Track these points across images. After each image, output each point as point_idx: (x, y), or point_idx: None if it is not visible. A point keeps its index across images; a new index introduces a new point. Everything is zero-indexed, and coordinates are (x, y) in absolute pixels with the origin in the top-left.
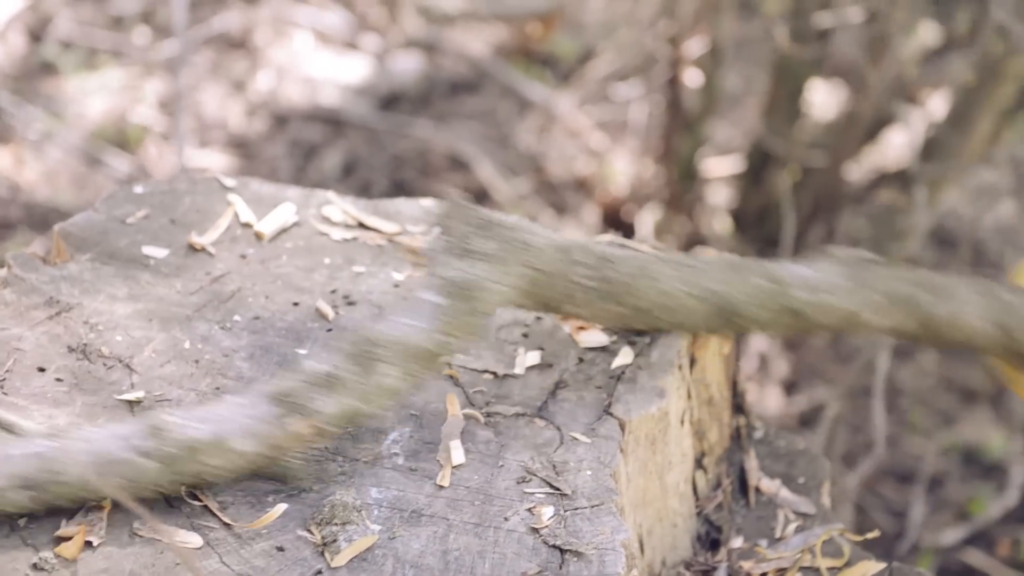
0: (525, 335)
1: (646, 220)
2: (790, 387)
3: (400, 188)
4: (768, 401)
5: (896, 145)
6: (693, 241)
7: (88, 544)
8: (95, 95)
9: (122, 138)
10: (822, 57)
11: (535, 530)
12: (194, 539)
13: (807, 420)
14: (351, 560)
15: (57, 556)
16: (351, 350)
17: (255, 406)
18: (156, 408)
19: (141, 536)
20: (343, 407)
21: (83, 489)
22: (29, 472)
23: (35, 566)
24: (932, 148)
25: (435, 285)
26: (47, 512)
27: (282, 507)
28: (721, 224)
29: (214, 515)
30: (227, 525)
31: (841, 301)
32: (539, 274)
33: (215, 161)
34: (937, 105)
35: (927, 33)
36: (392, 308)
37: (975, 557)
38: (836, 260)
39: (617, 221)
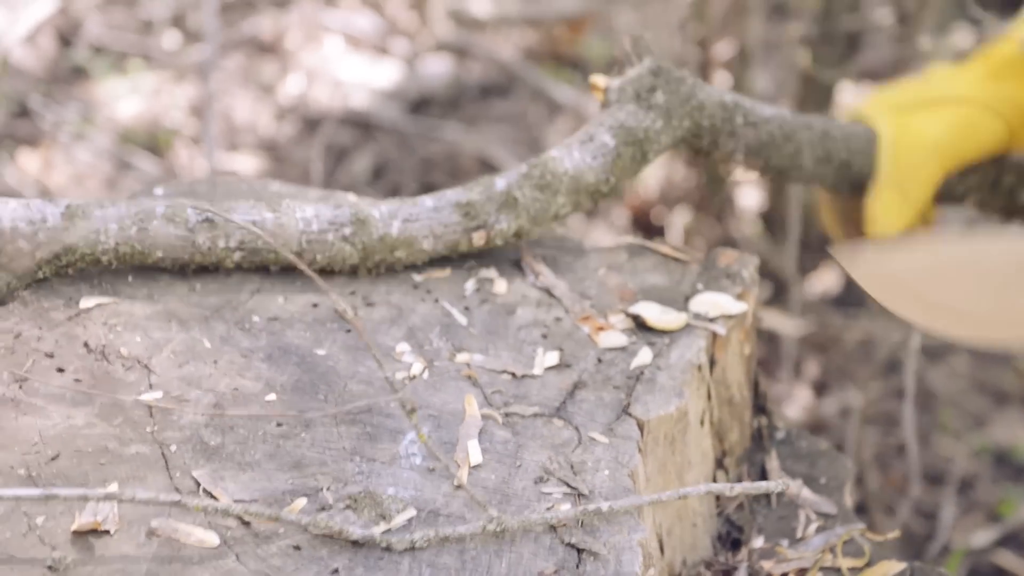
0: (544, 335)
1: (676, 223)
2: (820, 389)
3: (429, 191)
4: (798, 403)
5: None
6: (723, 244)
7: (103, 538)
8: (125, 99)
9: (152, 142)
10: (851, 59)
11: (552, 529)
12: (211, 538)
13: (837, 422)
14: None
15: (73, 555)
16: (535, 176)
17: (443, 211)
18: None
19: (158, 535)
20: (515, 225)
21: (289, 261)
22: (246, 238)
23: (51, 567)
24: None
25: (610, 127)
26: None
27: (302, 501)
28: (751, 227)
29: (231, 514)
30: (245, 523)
31: None
32: (700, 128)
33: (245, 164)
34: None
35: (959, 36)
36: (571, 143)
37: (1006, 559)
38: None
39: (647, 224)
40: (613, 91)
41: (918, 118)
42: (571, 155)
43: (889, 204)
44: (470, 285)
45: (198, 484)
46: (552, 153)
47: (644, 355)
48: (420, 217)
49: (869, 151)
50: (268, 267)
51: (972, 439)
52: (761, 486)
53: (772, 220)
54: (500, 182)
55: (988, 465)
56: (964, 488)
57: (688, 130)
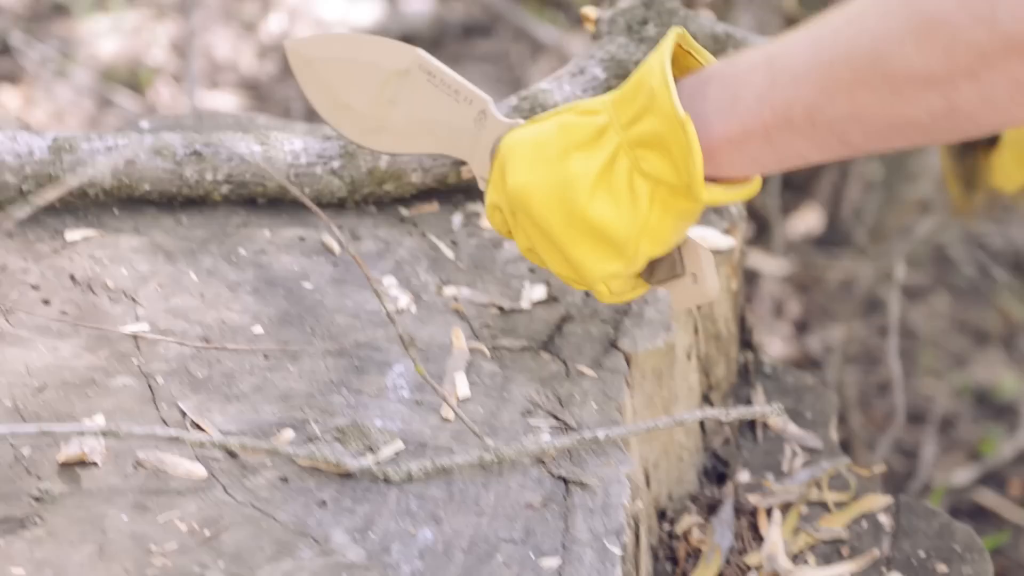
0: (531, 269)
1: None
2: (803, 328)
3: None
4: (779, 342)
5: None
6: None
7: (90, 470)
8: (106, 36)
9: (133, 79)
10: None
11: (540, 462)
12: (198, 469)
13: (820, 361)
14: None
15: (59, 486)
16: (524, 109)
17: None
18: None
19: (145, 466)
20: None
21: (280, 193)
22: (234, 171)
23: (38, 499)
24: None
25: (601, 59)
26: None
27: (289, 433)
28: None
29: (224, 447)
30: (232, 455)
31: None
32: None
33: (226, 103)
34: None
35: None
36: (562, 76)
37: (987, 497)
38: None
39: None
40: (604, 23)
41: None
42: (561, 88)
43: (1010, 160)
44: (457, 219)
45: (185, 415)
46: (542, 86)
47: None
48: None
49: None
50: (255, 200)
51: (953, 378)
52: (755, 410)
53: None
54: None
55: (969, 404)
56: (945, 427)
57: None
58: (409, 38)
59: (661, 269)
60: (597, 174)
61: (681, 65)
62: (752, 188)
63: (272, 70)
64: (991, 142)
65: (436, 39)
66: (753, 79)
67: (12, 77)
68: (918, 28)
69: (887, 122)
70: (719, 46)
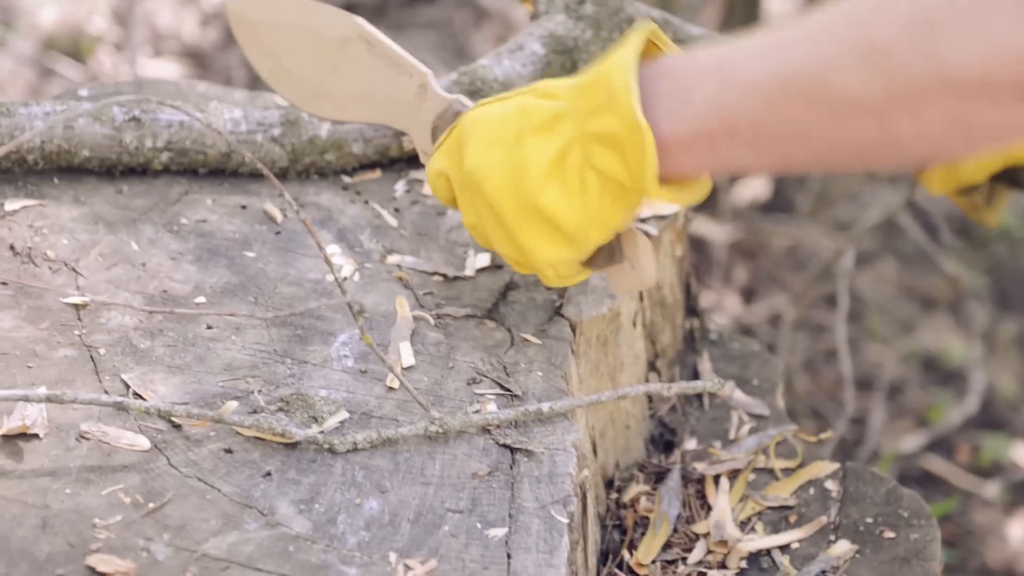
0: None
1: None
2: (749, 295)
3: None
4: (727, 308)
5: None
6: None
7: (32, 442)
8: (47, 5)
9: (75, 48)
10: None
11: (486, 431)
12: (142, 441)
13: (767, 328)
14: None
15: (2, 459)
16: (464, 83)
17: None
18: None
19: (88, 438)
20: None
21: (222, 162)
22: (174, 138)
23: None
24: None
25: (540, 36)
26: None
27: (233, 404)
28: None
29: (162, 417)
30: (175, 426)
31: None
32: None
33: (169, 71)
34: None
35: None
36: (501, 52)
37: (935, 463)
38: None
39: None
40: (542, 2)
41: None
42: (501, 63)
43: (945, 174)
44: (400, 186)
45: (127, 387)
46: (482, 61)
47: None
48: None
49: None
50: (196, 170)
51: (900, 344)
52: (697, 385)
53: None
54: None
55: (916, 371)
56: (893, 393)
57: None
58: (353, 4)
59: (601, 256)
60: (550, 162)
61: (643, 52)
62: (701, 190)
63: (215, 38)
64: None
65: (379, 5)
66: (704, 84)
67: None
68: (862, 54)
69: (827, 145)
70: None
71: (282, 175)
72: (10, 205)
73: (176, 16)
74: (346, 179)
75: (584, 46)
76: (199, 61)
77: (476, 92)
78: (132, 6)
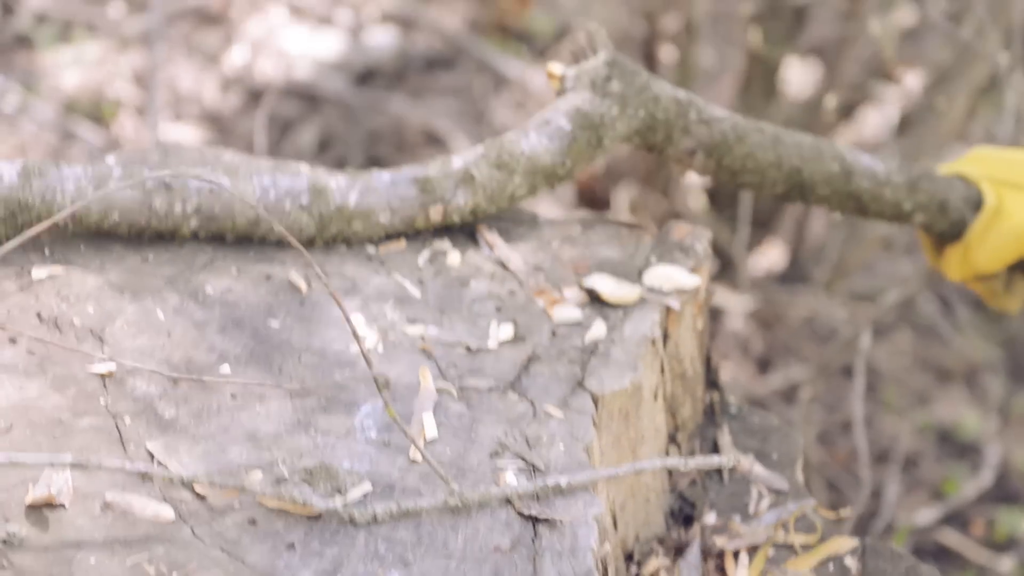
0: (498, 308)
1: (621, 197)
2: (765, 365)
3: (375, 163)
4: (742, 379)
5: (872, 123)
6: (668, 218)
7: (58, 512)
8: (69, 68)
9: (96, 112)
10: (798, 35)
11: (509, 503)
12: (166, 511)
13: (782, 399)
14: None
15: (27, 528)
16: (491, 156)
17: (400, 186)
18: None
19: (112, 508)
20: (472, 202)
21: (249, 229)
22: (203, 203)
23: (5, 542)
24: (908, 125)
25: (567, 112)
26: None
27: (258, 474)
28: (696, 202)
29: (187, 486)
30: (199, 496)
31: (895, 196)
32: (654, 120)
33: (189, 135)
34: (913, 83)
35: (903, 13)
36: (528, 126)
37: (950, 537)
38: (899, 161)
39: (592, 197)
40: (569, 79)
41: (1013, 197)
42: (528, 137)
43: (962, 261)
44: (424, 257)
45: (152, 456)
46: (509, 135)
47: (598, 328)
48: (377, 189)
49: (965, 201)
50: (224, 236)
51: (915, 417)
52: (714, 460)
53: (717, 195)
54: (457, 160)
55: (931, 443)
56: (908, 466)
57: (643, 121)
58: (372, 71)
59: None
60: None
61: None
62: None
63: (235, 103)
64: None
65: (399, 72)
66: None
67: None
68: None
69: None
70: (681, 109)
71: (309, 243)
72: (37, 273)
73: (197, 81)
74: (370, 249)
75: (611, 122)
76: (219, 125)
77: (503, 165)
78: (154, 70)
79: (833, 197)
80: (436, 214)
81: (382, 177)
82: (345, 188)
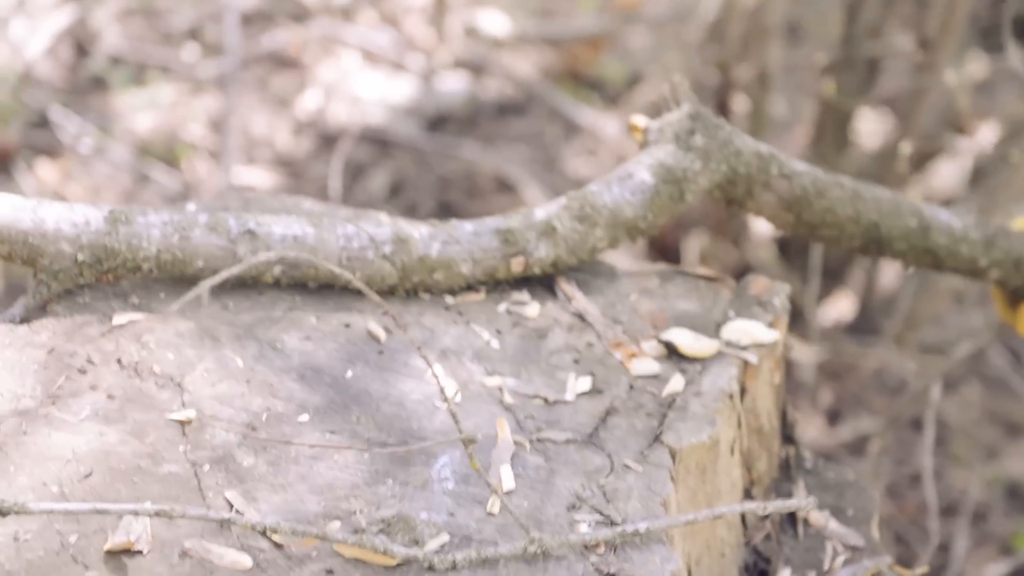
0: (576, 361)
1: (691, 246)
2: (833, 417)
3: (446, 209)
4: (811, 431)
5: (945, 175)
6: (739, 269)
7: (136, 559)
8: (143, 111)
9: (169, 154)
10: (871, 86)
11: (585, 557)
12: (244, 560)
13: (851, 451)
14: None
15: (106, 575)
16: (574, 208)
17: (482, 237)
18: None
19: (191, 555)
20: (553, 254)
21: (331, 277)
22: (287, 251)
23: None
24: (981, 177)
25: (650, 166)
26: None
27: (336, 524)
28: (767, 252)
29: (265, 534)
30: (277, 545)
31: (971, 251)
32: (736, 174)
33: (261, 179)
34: (986, 135)
35: (975, 64)
36: (611, 179)
37: None
38: (976, 217)
39: (662, 247)
40: (652, 132)
41: None
42: (610, 190)
43: None
44: (502, 308)
45: (230, 504)
46: (591, 187)
47: (676, 382)
48: (460, 240)
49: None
50: (306, 284)
51: (984, 470)
52: (791, 503)
53: (787, 246)
54: (539, 212)
55: (1001, 497)
56: (976, 519)
57: (725, 175)
58: (444, 117)
59: None
60: None
61: None
62: None
63: (307, 147)
64: None
65: (471, 118)
66: None
67: (50, 151)
68: None
69: None
70: (763, 163)
71: (390, 292)
72: (118, 319)
73: (269, 124)
74: (448, 300)
75: (693, 176)
76: (291, 169)
77: (586, 218)
78: (228, 114)
79: (910, 252)
80: (517, 265)
81: (464, 228)
82: (428, 238)
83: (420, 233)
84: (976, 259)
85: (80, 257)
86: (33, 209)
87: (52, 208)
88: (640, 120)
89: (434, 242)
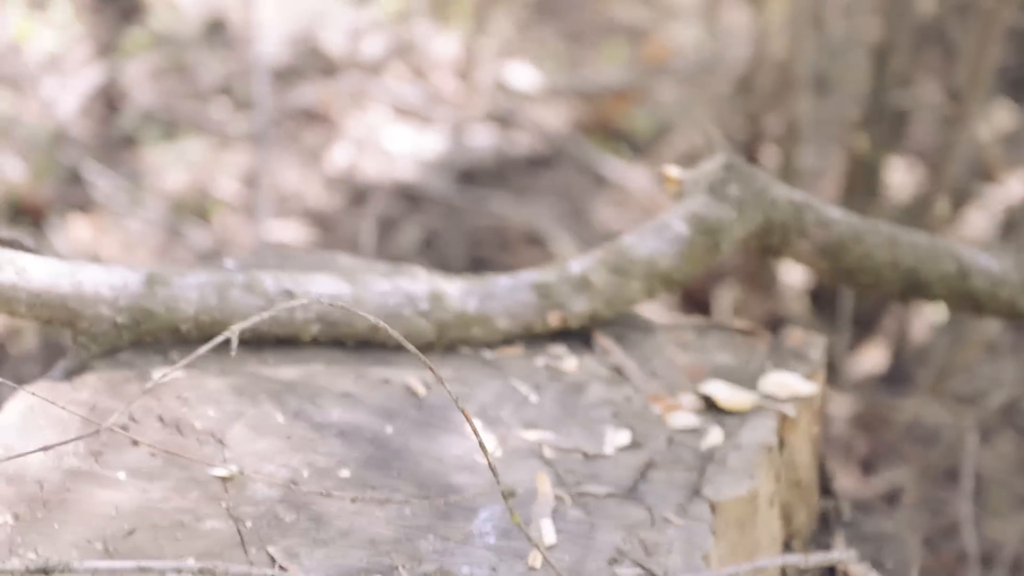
0: (614, 414)
1: (723, 297)
2: (867, 467)
3: (477, 262)
4: (845, 482)
5: (975, 225)
6: (770, 320)
7: None
8: (174, 166)
9: (201, 210)
10: (900, 137)
11: None
12: None
13: (886, 502)
14: None
15: None
16: (610, 261)
17: (519, 292)
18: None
19: None
20: (590, 307)
21: (369, 335)
22: (324, 311)
23: None
24: (1011, 228)
25: (685, 217)
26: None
27: None
28: (798, 304)
29: None
30: None
31: (1011, 294)
32: (771, 223)
33: (293, 234)
34: (1016, 185)
35: (1004, 113)
36: (645, 231)
37: None
38: (1015, 258)
39: (695, 298)
40: (687, 183)
41: None
42: (645, 242)
43: None
44: (540, 362)
45: (273, 560)
46: (627, 239)
47: (715, 435)
48: (497, 295)
49: None
50: (344, 342)
51: (1020, 521)
52: (833, 556)
53: (819, 297)
54: (575, 265)
55: None
56: (1014, 570)
57: (760, 224)
58: (474, 170)
59: None
60: None
61: None
62: None
63: (338, 201)
64: None
65: (499, 171)
66: None
67: (83, 207)
68: None
69: None
70: (798, 211)
71: (427, 348)
72: (158, 375)
73: (300, 180)
74: (487, 354)
75: (729, 227)
76: (322, 224)
77: (621, 270)
78: (260, 170)
79: (950, 297)
80: (554, 319)
81: (501, 283)
82: (465, 294)
83: (457, 289)
84: (1016, 301)
85: (119, 320)
86: (71, 273)
87: (90, 271)
88: (673, 171)
89: (471, 298)
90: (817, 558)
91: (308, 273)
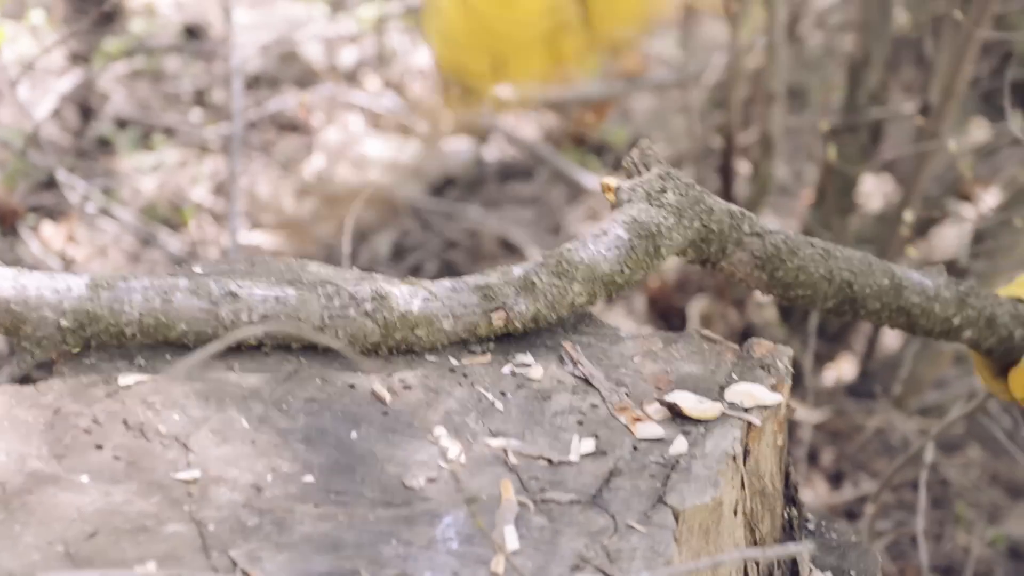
0: (580, 422)
1: (694, 309)
2: (834, 478)
3: (450, 271)
4: (810, 492)
5: (946, 240)
6: (742, 332)
7: None
8: (148, 173)
9: (175, 216)
10: (874, 151)
11: None
12: None
13: (852, 512)
14: None
15: None
16: (551, 264)
17: (461, 293)
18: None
19: None
20: (533, 309)
21: (313, 337)
22: (269, 312)
23: None
24: (983, 242)
25: (624, 222)
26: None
27: None
28: (769, 315)
29: None
30: None
31: (944, 310)
32: (709, 231)
33: (267, 241)
34: (988, 200)
35: (977, 129)
36: (586, 237)
37: None
38: (946, 278)
39: (665, 310)
40: (624, 191)
41: None
42: (586, 247)
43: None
44: (507, 370)
45: (235, 564)
46: (567, 245)
47: (680, 444)
48: (439, 296)
49: (1013, 318)
50: (290, 346)
51: (987, 531)
52: (790, 548)
53: (788, 309)
54: (518, 268)
55: (1003, 557)
56: None
57: (698, 232)
58: (448, 180)
59: None
60: None
61: None
62: None
63: (312, 210)
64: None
65: (475, 181)
66: None
67: (56, 213)
68: None
69: None
70: (735, 221)
71: (374, 349)
72: (123, 380)
73: (275, 187)
74: (453, 361)
75: (667, 232)
76: (297, 232)
77: (563, 273)
78: (234, 177)
79: (884, 311)
80: (499, 320)
81: (443, 284)
82: (408, 295)
83: (400, 291)
84: (950, 318)
85: (63, 323)
86: (14, 277)
87: (33, 276)
88: (612, 180)
89: (414, 299)
90: (775, 551)
91: (254, 277)
